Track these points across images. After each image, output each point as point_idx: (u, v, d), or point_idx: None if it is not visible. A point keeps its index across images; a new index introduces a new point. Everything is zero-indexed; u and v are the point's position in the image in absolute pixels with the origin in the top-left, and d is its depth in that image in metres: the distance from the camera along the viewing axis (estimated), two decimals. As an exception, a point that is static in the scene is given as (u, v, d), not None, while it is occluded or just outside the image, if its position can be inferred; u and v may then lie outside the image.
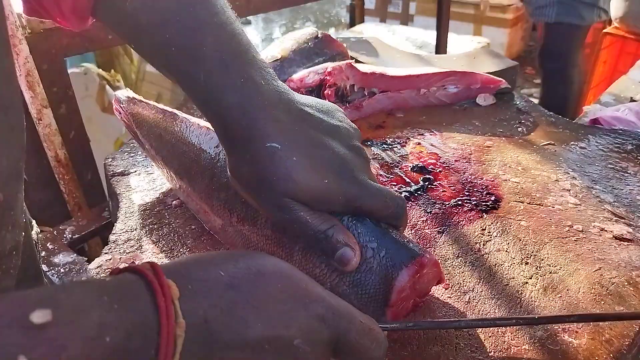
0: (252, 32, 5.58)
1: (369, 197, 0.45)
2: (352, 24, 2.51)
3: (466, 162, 0.72)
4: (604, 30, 2.41)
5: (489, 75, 0.91)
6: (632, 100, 1.26)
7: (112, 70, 2.25)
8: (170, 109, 0.61)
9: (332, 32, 5.04)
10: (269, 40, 4.95)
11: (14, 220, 0.39)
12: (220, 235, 0.56)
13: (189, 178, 0.56)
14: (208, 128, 0.56)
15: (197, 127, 0.57)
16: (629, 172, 0.73)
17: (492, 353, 0.44)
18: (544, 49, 2.14)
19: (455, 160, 0.72)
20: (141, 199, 0.65)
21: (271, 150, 0.41)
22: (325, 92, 0.84)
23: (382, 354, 0.37)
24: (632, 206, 0.65)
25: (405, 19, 3.98)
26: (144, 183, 0.68)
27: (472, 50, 1.10)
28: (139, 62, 2.33)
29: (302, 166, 0.42)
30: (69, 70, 1.97)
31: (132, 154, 0.76)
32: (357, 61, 0.98)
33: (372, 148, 0.76)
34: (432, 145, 0.77)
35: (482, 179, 0.68)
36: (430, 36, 1.99)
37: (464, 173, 0.69)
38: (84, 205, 0.94)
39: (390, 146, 0.77)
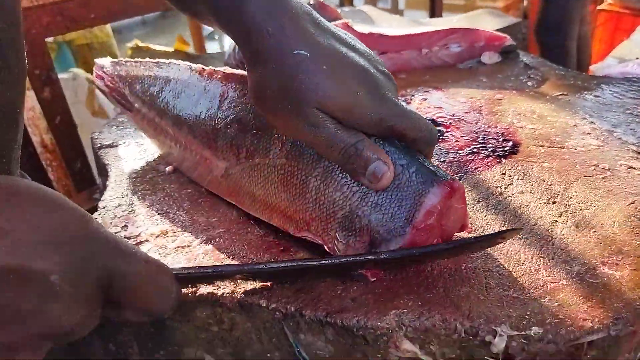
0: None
1: (401, 117, 0.41)
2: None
3: (477, 113, 0.68)
4: (598, 7, 2.38)
5: (492, 32, 0.87)
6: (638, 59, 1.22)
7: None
8: (163, 60, 0.56)
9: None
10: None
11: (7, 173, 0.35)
12: (221, 186, 0.51)
13: (190, 124, 0.51)
14: (203, 68, 0.52)
15: (195, 70, 0.53)
16: (648, 116, 0.68)
17: (527, 291, 0.40)
18: (542, 23, 2.10)
19: (466, 112, 0.68)
20: (131, 167, 0.60)
21: (299, 58, 0.38)
22: (322, 55, 0.79)
23: (168, 307, 0.32)
24: (656, 147, 0.61)
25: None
26: (135, 153, 0.64)
27: (473, 12, 1.06)
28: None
29: (332, 76, 0.38)
30: (59, 75, 1.93)
31: (121, 127, 0.72)
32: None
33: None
34: (439, 99, 0.72)
35: (496, 127, 0.64)
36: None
37: (477, 123, 0.65)
38: (74, 192, 0.90)
39: (394, 105, 0.73)
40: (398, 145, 0.42)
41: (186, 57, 2.11)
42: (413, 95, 0.74)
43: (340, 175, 0.42)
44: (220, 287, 0.41)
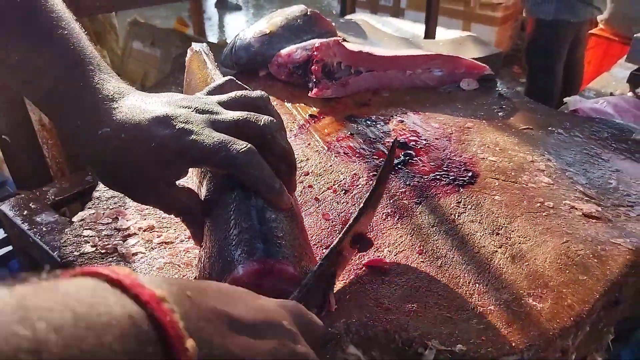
0: (242, 17, 5.55)
1: (197, 140, 0.41)
2: (342, 14, 2.52)
3: (446, 140, 0.74)
4: (589, 32, 2.46)
5: (473, 60, 0.93)
6: (611, 94, 1.30)
7: (98, 46, 2.22)
8: None
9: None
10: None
11: None
12: None
13: None
14: None
15: None
16: (602, 157, 0.75)
17: (459, 312, 0.46)
18: (533, 45, 2.18)
19: (436, 139, 0.74)
20: (125, 160, 0.65)
21: (105, 135, 0.41)
22: (313, 67, 0.85)
23: None
24: (603, 189, 0.67)
25: (397, 12, 4.00)
26: (129, 145, 0.69)
27: (458, 37, 1.12)
28: (126, 38, 2.31)
29: (132, 138, 0.41)
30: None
31: (118, 118, 0.76)
32: (344, 41, 0.99)
33: (357, 124, 0.78)
34: (414, 123, 0.78)
35: (460, 156, 0.70)
36: (420, 29, 2.00)
37: (444, 150, 0.71)
38: (67, 171, 0.94)
39: (374, 123, 0.78)
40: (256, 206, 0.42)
41: (185, 38, 2.14)
42: (392, 116, 0.80)
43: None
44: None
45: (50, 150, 0.92)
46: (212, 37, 4.49)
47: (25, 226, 0.68)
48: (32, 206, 0.72)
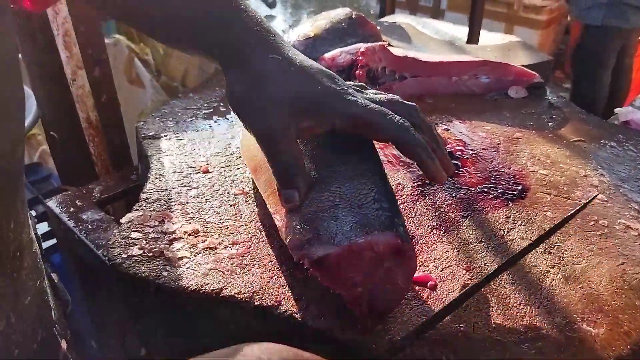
0: (280, 17, 5.57)
1: (369, 114, 0.45)
2: (381, 15, 2.49)
3: (494, 151, 0.72)
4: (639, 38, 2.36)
5: (522, 67, 0.90)
6: (665, 106, 1.24)
7: (141, 44, 2.27)
8: None
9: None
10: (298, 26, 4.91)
11: (15, 212, 0.36)
12: None
13: None
14: None
15: None
16: (658, 174, 0.72)
17: (509, 335, 0.45)
18: (580, 50, 2.11)
19: (483, 149, 0.72)
20: (171, 162, 0.66)
21: (275, 61, 0.45)
22: (357, 72, 0.84)
23: None
24: (660, 207, 0.64)
25: (436, 13, 3.93)
26: (174, 147, 0.69)
27: (506, 43, 1.09)
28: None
29: (302, 77, 0.45)
30: (101, 40, 1.99)
31: (164, 120, 0.77)
32: (389, 45, 0.98)
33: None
34: (460, 132, 0.76)
35: (509, 168, 0.68)
36: (461, 31, 1.97)
37: (492, 162, 0.69)
38: (111, 168, 0.96)
39: (418, 130, 0.77)
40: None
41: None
42: (437, 124, 0.78)
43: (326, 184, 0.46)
44: (239, 293, 0.46)
45: (97, 147, 0.94)
46: None
47: (71, 223, 0.69)
48: (79, 203, 0.73)
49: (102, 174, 0.96)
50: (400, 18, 2.32)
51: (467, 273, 0.51)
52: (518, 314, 0.47)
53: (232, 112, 0.81)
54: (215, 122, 0.77)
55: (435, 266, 0.52)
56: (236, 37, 0.46)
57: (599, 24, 2.01)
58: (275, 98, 0.44)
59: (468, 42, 1.68)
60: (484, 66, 0.88)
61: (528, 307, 0.47)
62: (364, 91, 0.49)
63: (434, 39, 1.11)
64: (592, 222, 0.59)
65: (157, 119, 0.77)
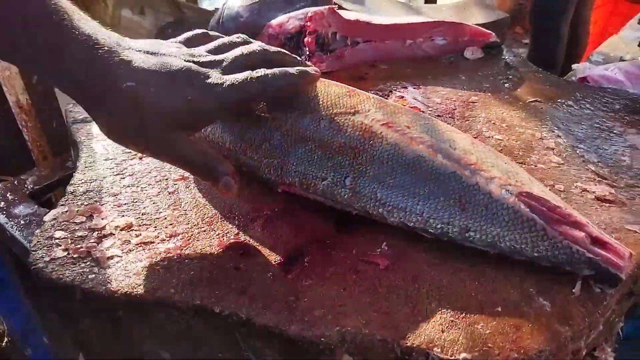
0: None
1: (227, 92, 0.45)
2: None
3: (450, 117, 0.69)
4: (596, -11, 2.35)
5: (478, 27, 0.87)
6: (621, 59, 1.23)
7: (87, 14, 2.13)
8: None
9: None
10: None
11: None
12: None
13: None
14: None
15: None
16: (614, 132, 0.70)
17: (463, 315, 0.43)
18: (537, 4, 2.08)
19: (438, 116, 0.69)
20: (103, 147, 0.61)
21: (130, 89, 0.42)
22: (305, 39, 0.79)
23: None
24: (616, 167, 0.63)
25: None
26: (107, 131, 0.64)
27: (461, 1, 1.05)
28: (114, 7, 2.21)
29: (163, 92, 0.43)
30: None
31: (96, 100, 0.71)
32: (340, 8, 0.93)
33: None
34: (414, 99, 0.73)
35: (464, 135, 0.65)
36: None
37: (446, 129, 0.66)
38: (49, 154, 0.90)
39: (370, 99, 0.73)
40: None
41: (174, 5, 2.05)
42: (391, 91, 0.75)
43: None
44: (176, 292, 0.43)
45: (30, 133, 0.87)
46: (205, 3, 4.34)
47: (2, 219, 0.64)
48: (10, 197, 0.68)
49: (40, 161, 0.89)
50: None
51: (424, 251, 0.49)
52: (472, 291, 0.45)
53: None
54: (154, 100, 0.72)
55: (388, 246, 0.49)
56: (74, 74, 0.42)
57: None
58: (149, 127, 0.43)
59: (427, 3, 1.64)
60: (439, 27, 0.84)
61: (483, 284, 0.45)
62: (195, 54, 0.48)
63: (389, 0, 1.06)
64: (549, 187, 0.57)
65: (89, 100, 0.71)
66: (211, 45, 0.50)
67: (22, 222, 0.64)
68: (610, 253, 0.43)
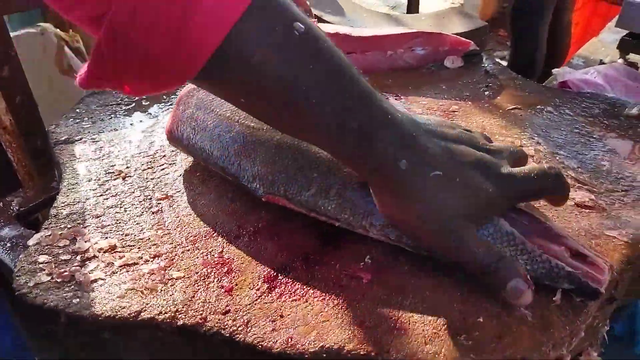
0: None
1: (523, 184, 0.45)
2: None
3: (430, 127, 0.70)
4: (577, -9, 2.38)
5: (457, 36, 0.88)
6: (601, 62, 1.25)
7: (71, 31, 2.14)
8: None
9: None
10: None
11: None
12: None
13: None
14: None
15: None
16: (594, 136, 0.71)
17: (445, 327, 0.43)
18: (516, 8, 2.10)
19: (419, 126, 0.70)
20: (86, 168, 0.61)
21: (436, 179, 0.42)
22: (286, 53, 0.80)
23: None
24: (596, 172, 0.64)
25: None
26: (90, 152, 0.64)
27: (442, 10, 1.06)
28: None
29: (464, 184, 0.43)
30: (24, 30, 1.85)
31: (78, 120, 0.71)
32: (321, 20, 0.94)
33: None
34: (396, 110, 0.74)
35: (445, 145, 0.66)
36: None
37: (428, 139, 0.67)
38: (35, 173, 0.89)
39: (353, 111, 0.74)
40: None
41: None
42: (372, 103, 0.75)
43: None
44: (160, 313, 0.43)
45: (15, 153, 0.87)
46: None
47: (-13, 242, 0.64)
48: (-5, 219, 0.68)
49: (27, 181, 0.89)
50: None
51: (405, 263, 0.49)
52: (455, 303, 0.45)
53: (155, 106, 0.75)
54: (137, 118, 0.72)
55: (371, 258, 0.50)
56: (382, 156, 0.42)
57: None
58: (446, 218, 0.43)
59: (408, 4, 1.65)
60: (419, 37, 0.86)
61: (465, 295, 0.46)
62: (474, 141, 0.48)
63: (369, 10, 1.07)
64: (529, 196, 0.58)
65: (71, 120, 0.71)
66: (460, 133, 0.49)
67: (8, 244, 0.64)
68: (590, 267, 0.44)
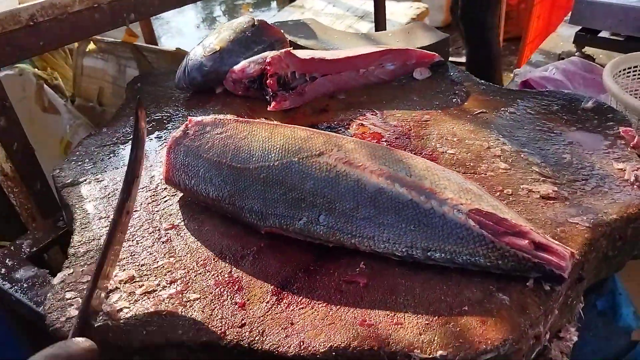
0: (191, 12, 5.42)
1: None
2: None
3: (406, 138, 0.76)
4: (537, -18, 2.48)
5: (422, 50, 0.95)
6: (560, 57, 1.33)
7: (49, 69, 2.17)
8: None
9: (273, 5, 4.95)
10: (210, 20, 4.81)
11: None
12: None
13: None
14: None
15: None
16: (555, 131, 0.78)
17: (436, 317, 0.49)
18: (463, 14, 2.13)
19: (396, 138, 0.76)
20: (95, 207, 0.66)
21: None
22: (267, 81, 0.86)
23: None
24: (558, 165, 0.70)
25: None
26: (96, 191, 0.69)
27: (406, 25, 1.14)
28: (76, 56, 2.25)
29: None
30: (2, 73, 1.88)
31: (80, 163, 0.76)
32: (296, 46, 1.00)
33: (317, 133, 0.79)
34: (374, 125, 0.80)
35: (421, 153, 0.72)
36: (372, 5, 2.01)
37: (405, 149, 0.73)
38: (38, 215, 0.94)
39: (335, 129, 0.80)
40: None
41: (135, 49, 2.10)
42: (351, 120, 0.82)
43: None
44: (184, 332, 0.48)
45: (18, 198, 0.91)
46: (169, 41, 4.32)
47: (6, 285, 0.68)
48: (9, 262, 0.72)
49: (30, 223, 0.93)
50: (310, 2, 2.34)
51: (398, 265, 0.55)
52: (441, 295, 0.51)
53: (147, 143, 0.80)
54: (135, 156, 0.77)
55: (365, 265, 0.56)
56: None
57: None
58: None
59: (375, 19, 1.72)
60: (387, 54, 0.92)
61: (449, 286, 0.52)
62: None
63: (339, 31, 1.14)
64: (498, 193, 0.65)
65: (73, 162, 0.76)
66: None
67: (24, 285, 0.68)
68: (553, 255, 0.50)
